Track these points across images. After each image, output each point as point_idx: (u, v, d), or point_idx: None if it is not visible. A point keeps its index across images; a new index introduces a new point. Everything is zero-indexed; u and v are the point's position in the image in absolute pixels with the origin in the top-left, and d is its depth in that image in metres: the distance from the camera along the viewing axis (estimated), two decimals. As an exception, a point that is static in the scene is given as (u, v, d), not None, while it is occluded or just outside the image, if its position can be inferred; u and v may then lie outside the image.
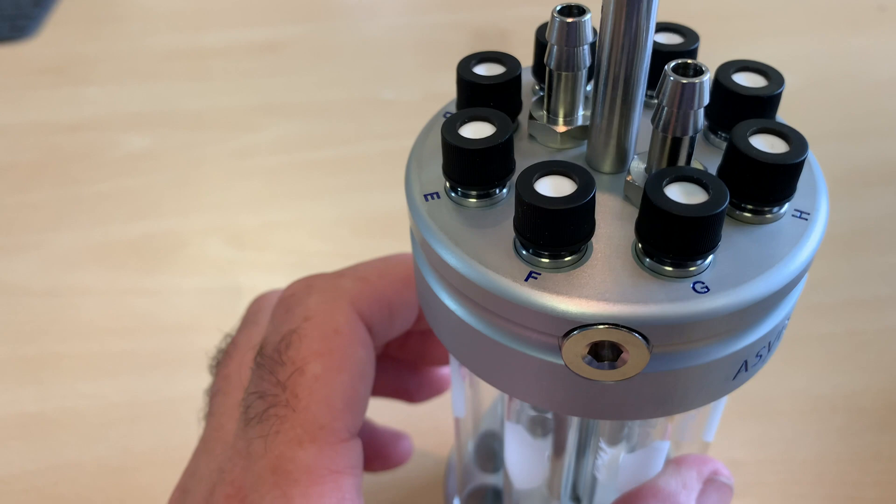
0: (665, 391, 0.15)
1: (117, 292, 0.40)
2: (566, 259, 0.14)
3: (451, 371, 0.23)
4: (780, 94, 0.16)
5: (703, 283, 0.14)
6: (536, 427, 0.21)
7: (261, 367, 0.20)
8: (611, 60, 0.15)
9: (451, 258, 0.15)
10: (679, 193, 0.13)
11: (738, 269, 0.14)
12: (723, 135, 0.17)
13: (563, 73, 0.16)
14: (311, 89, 0.54)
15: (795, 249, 0.14)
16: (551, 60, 0.16)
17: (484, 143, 0.15)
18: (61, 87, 0.55)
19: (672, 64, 0.14)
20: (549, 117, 0.17)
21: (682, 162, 0.15)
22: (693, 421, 0.23)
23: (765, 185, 0.14)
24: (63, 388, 0.35)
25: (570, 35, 0.15)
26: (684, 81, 0.13)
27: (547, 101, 0.17)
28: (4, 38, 0.59)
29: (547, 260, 0.14)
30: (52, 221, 0.44)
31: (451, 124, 0.15)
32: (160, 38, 0.60)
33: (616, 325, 0.13)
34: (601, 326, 0.13)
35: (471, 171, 0.15)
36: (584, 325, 0.14)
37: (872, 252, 0.39)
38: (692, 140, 0.14)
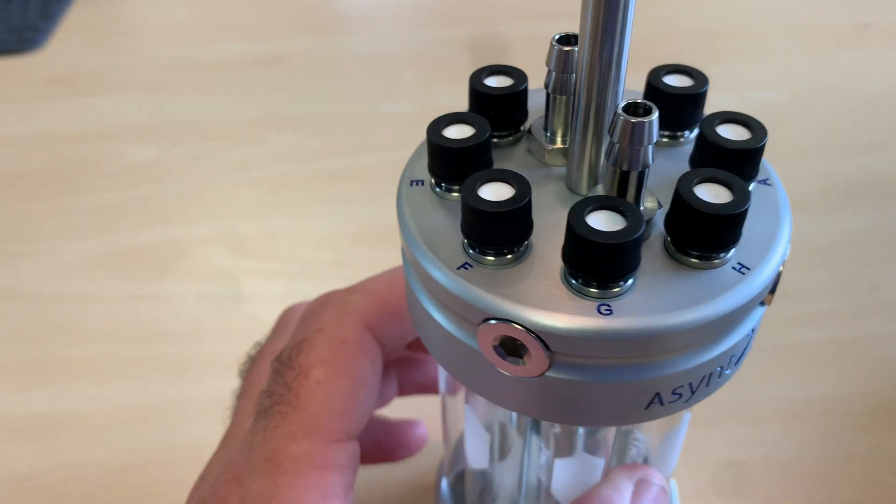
0: (570, 400, 0.16)
1: (123, 299, 0.41)
2: (504, 258, 0.16)
3: None
4: (762, 147, 0.16)
5: (609, 306, 0.15)
6: (487, 413, 0.23)
7: (276, 370, 0.22)
8: (584, 91, 0.16)
9: (410, 239, 0.17)
10: (599, 221, 0.15)
11: (651, 304, 0.15)
12: None
13: (559, 97, 0.18)
14: (312, 102, 0.55)
15: (715, 300, 0.15)
16: (549, 84, 0.18)
17: (462, 143, 0.16)
18: (68, 99, 0.56)
19: (623, 104, 0.15)
20: (546, 135, 0.19)
21: (630, 194, 0.16)
22: (640, 451, 0.23)
23: (702, 233, 0.15)
24: (70, 391, 0.36)
25: (567, 62, 0.17)
26: (633, 121, 0.14)
27: (545, 120, 0.18)
28: (12, 50, 0.60)
29: (490, 257, 0.16)
30: (59, 229, 0.45)
31: (435, 125, 0.17)
32: (165, 52, 0.61)
33: (518, 324, 0.15)
34: (505, 322, 0.15)
35: (448, 166, 0.17)
36: (493, 317, 0.15)
37: (852, 264, 0.41)
38: (641, 174, 0.15)
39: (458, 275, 0.16)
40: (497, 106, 0.18)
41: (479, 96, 0.18)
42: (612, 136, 0.15)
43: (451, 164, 0.17)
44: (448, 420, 0.26)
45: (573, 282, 0.15)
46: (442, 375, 0.24)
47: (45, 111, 0.55)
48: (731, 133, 0.16)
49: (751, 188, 0.17)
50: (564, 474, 0.22)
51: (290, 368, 0.21)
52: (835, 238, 0.42)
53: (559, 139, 0.18)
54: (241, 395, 0.24)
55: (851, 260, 0.41)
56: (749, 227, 0.16)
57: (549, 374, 0.16)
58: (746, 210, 0.15)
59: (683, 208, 0.15)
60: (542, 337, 0.15)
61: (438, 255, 0.16)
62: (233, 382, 0.29)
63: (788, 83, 0.55)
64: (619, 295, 0.15)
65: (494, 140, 0.19)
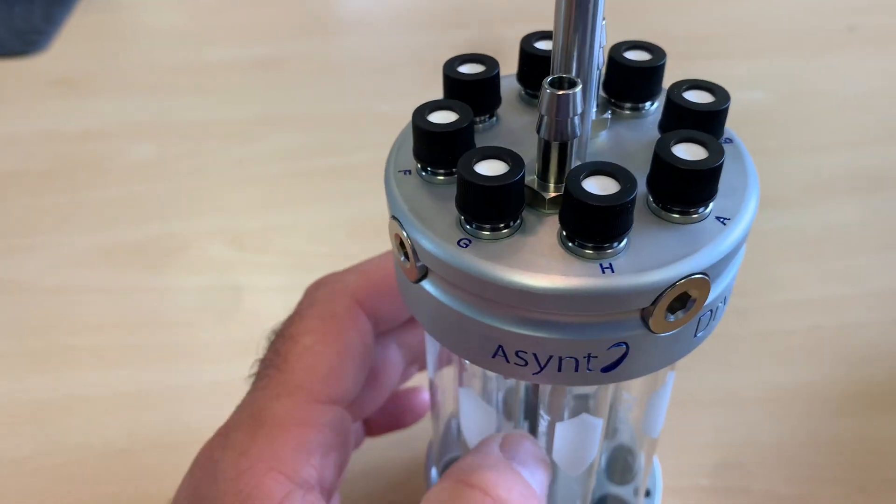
0: (435, 313, 0.18)
1: (123, 290, 0.42)
2: (438, 176, 0.18)
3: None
4: (720, 165, 0.16)
5: (468, 241, 0.16)
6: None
7: (270, 341, 0.24)
8: (559, 66, 0.17)
9: (388, 161, 0.19)
10: (485, 168, 0.16)
11: (501, 255, 0.16)
12: (674, 208, 0.16)
13: None
14: (309, 102, 0.56)
15: (545, 274, 0.15)
16: None
17: (471, 77, 0.19)
18: (70, 99, 0.57)
19: (549, 79, 0.16)
20: None
21: (553, 165, 0.17)
22: (542, 431, 0.23)
23: (579, 220, 0.15)
24: (71, 378, 0.37)
25: None
26: (559, 93, 0.15)
27: None
28: (17, 53, 0.62)
29: (438, 176, 0.18)
30: (61, 224, 0.46)
31: (451, 63, 0.19)
32: (165, 54, 0.63)
33: (401, 226, 0.17)
34: (396, 220, 0.17)
35: (458, 96, 0.19)
36: (394, 215, 0.18)
37: (835, 255, 0.42)
38: (563, 146, 0.16)
39: (396, 177, 0.18)
40: (537, 66, 0.19)
41: (524, 55, 0.20)
42: (539, 108, 0.16)
43: (452, 94, 0.19)
44: (437, 401, 0.26)
45: (467, 226, 0.16)
46: (431, 358, 0.25)
47: (48, 111, 0.56)
48: (688, 153, 0.16)
49: (708, 212, 0.17)
50: (464, 409, 0.23)
51: (280, 337, 0.23)
52: (819, 231, 0.43)
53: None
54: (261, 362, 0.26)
55: (835, 251, 0.42)
56: (658, 244, 0.16)
57: (423, 284, 0.17)
58: (616, 207, 0.15)
59: (573, 201, 0.15)
60: (414, 247, 0.17)
61: (398, 161, 0.19)
62: (230, 369, 0.30)
63: (776, 83, 0.56)
64: (491, 240, 0.16)
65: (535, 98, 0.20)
